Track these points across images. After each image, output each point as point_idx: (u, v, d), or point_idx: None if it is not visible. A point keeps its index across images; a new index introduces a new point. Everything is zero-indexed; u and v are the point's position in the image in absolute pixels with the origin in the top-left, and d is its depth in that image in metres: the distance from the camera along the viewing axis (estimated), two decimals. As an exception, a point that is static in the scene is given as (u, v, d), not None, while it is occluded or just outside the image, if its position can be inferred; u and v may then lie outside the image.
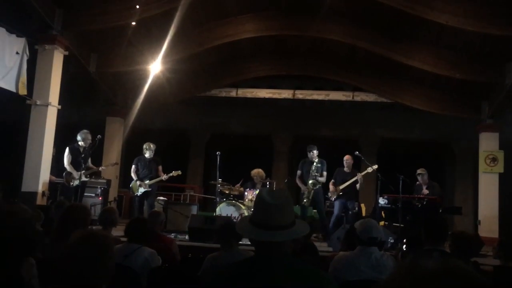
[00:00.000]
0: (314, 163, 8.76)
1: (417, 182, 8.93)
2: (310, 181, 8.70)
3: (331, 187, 8.98)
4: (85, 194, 9.19)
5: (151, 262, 3.77)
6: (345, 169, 9.06)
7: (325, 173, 8.86)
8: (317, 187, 8.76)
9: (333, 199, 8.98)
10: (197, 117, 15.04)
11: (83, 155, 8.50)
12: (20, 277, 1.30)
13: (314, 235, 8.74)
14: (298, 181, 9.03)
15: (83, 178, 8.56)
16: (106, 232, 2.19)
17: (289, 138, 15.19)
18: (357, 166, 9.48)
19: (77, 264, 1.92)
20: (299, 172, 9.06)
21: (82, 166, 8.43)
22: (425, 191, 8.69)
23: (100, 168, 9.04)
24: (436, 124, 13.53)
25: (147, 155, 9.06)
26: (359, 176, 8.82)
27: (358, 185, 8.88)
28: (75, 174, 8.51)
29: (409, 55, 10.57)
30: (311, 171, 8.76)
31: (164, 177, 8.95)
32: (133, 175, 9.08)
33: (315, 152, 8.84)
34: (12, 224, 1.26)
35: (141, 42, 10.83)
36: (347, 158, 9.11)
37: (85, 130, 8.72)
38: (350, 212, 8.93)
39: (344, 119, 14.56)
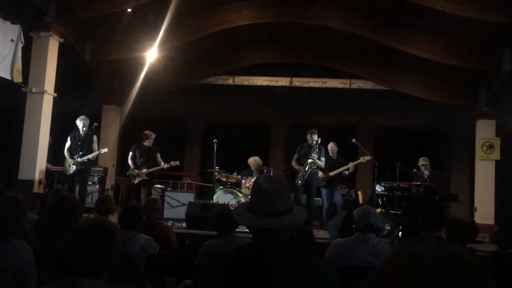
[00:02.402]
0: (315, 147, 8.57)
1: (414, 170, 8.95)
2: (309, 160, 8.49)
3: (320, 173, 8.93)
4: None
5: (148, 249, 3.78)
6: (332, 156, 9.04)
7: (323, 159, 8.72)
8: (315, 168, 8.58)
9: (320, 185, 8.95)
10: (193, 105, 14.99)
11: (79, 142, 8.48)
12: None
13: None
14: (294, 163, 8.85)
15: (76, 166, 8.37)
16: (112, 221, 2.19)
17: (286, 126, 15.18)
18: (354, 153, 9.49)
19: (86, 253, 1.91)
20: (296, 155, 8.89)
21: (78, 153, 8.39)
22: (426, 172, 8.71)
23: (91, 156, 8.61)
24: (433, 112, 13.53)
25: (146, 143, 8.97)
26: (351, 165, 8.83)
27: (348, 172, 8.89)
28: (69, 161, 8.49)
29: (406, 42, 10.54)
30: (311, 155, 8.56)
31: (165, 165, 8.91)
32: (130, 162, 8.99)
33: (316, 135, 8.68)
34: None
35: (137, 29, 10.75)
36: (331, 146, 9.10)
37: (82, 116, 8.68)
38: (338, 199, 8.94)
39: (341, 107, 14.53)
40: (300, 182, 8.55)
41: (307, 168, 8.53)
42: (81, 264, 1.89)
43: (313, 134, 8.72)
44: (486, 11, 8.63)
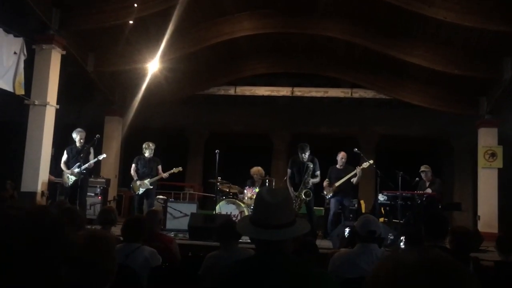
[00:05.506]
0: (308, 165, 8.29)
1: (416, 179, 8.90)
2: (304, 191, 8.22)
3: (325, 183, 8.84)
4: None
5: (152, 262, 3.76)
6: (339, 166, 8.95)
7: (318, 172, 8.49)
8: (310, 197, 8.32)
9: (328, 197, 8.85)
10: (195, 115, 15.03)
11: (76, 155, 8.48)
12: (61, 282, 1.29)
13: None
14: (288, 183, 8.58)
15: (74, 177, 8.41)
16: (108, 233, 2.18)
17: (288, 136, 15.18)
18: (356, 162, 9.43)
19: (80, 267, 1.91)
20: (289, 171, 8.62)
21: (74, 164, 8.42)
22: (429, 191, 8.59)
23: (88, 165, 8.53)
24: (434, 120, 13.52)
25: (146, 154, 9.02)
26: (358, 169, 8.69)
27: (355, 179, 8.70)
28: (66, 173, 8.51)
29: (407, 51, 10.56)
30: (305, 176, 8.31)
31: (164, 175, 8.96)
32: (133, 174, 9.05)
33: (307, 154, 8.35)
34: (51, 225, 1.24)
35: (139, 41, 10.81)
36: (342, 155, 8.93)
37: (78, 128, 8.71)
38: (347, 209, 8.87)
39: (342, 116, 14.55)
40: (296, 208, 8.14)
41: (303, 197, 8.23)
42: (80, 278, 1.90)
43: (303, 154, 8.31)
44: (486, 19, 8.65)
